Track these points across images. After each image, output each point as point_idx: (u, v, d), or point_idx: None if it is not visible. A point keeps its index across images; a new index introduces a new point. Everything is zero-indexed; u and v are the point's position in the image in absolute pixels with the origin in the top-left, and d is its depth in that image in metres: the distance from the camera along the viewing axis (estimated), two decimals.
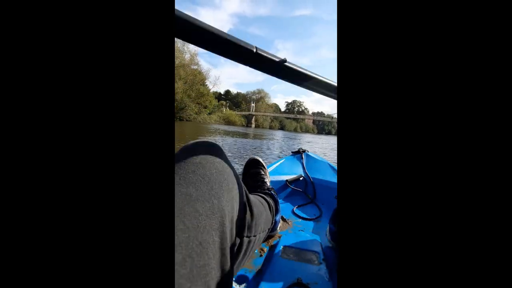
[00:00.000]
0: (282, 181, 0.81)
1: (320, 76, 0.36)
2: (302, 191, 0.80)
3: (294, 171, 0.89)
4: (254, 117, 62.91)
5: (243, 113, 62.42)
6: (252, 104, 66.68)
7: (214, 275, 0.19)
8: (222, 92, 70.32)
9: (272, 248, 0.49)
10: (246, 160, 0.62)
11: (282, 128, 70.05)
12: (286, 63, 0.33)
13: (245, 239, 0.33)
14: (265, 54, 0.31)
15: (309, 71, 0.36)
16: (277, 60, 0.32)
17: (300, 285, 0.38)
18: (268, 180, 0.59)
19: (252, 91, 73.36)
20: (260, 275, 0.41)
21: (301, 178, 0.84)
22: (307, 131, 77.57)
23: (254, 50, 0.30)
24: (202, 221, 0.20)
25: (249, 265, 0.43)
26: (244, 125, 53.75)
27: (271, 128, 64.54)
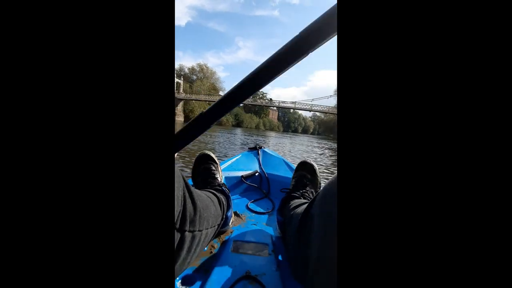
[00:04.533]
0: (237, 177, 0.80)
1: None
2: (257, 186, 0.81)
3: (250, 167, 0.90)
4: (181, 103, 33.10)
5: None
6: (179, 81, 35.14)
7: None
8: None
9: (223, 244, 0.48)
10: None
11: (239, 124, 48.36)
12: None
13: (188, 234, 0.31)
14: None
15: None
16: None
17: (249, 278, 0.38)
18: (220, 175, 0.58)
19: (190, 66, 43.25)
20: (209, 273, 0.39)
21: (256, 174, 0.85)
22: (271, 128, 60.79)
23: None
24: None
25: (198, 263, 0.42)
26: None
27: (219, 124, 35.15)
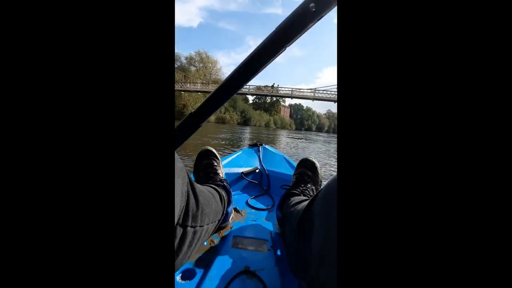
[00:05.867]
0: (238, 173, 0.81)
1: None
2: (258, 183, 0.81)
3: (250, 164, 0.90)
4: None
5: None
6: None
7: None
8: None
9: (223, 239, 0.48)
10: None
11: (246, 122, 41.47)
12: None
13: (190, 229, 0.31)
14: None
15: None
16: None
17: (247, 273, 0.38)
18: (221, 171, 0.58)
19: (187, 55, 34.89)
20: (208, 267, 0.40)
21: (257, 171, 0.85)
22: (283, 126, 53.88)
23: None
24: None
25: (197, 258, 0.42)
26: None
27: (222, 122, 33.32)
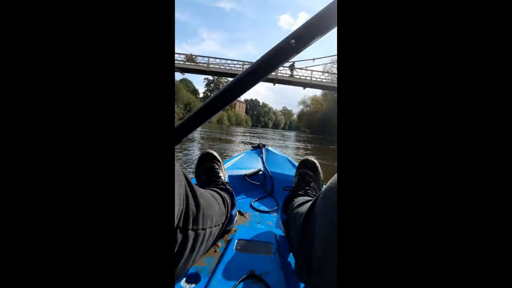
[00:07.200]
0: (241, 175, 0.80)
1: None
2: (261, 185, 0.81)
3: (253, 166, 0.90)
4: None
5: None
6: None
7: None
8: None
9: (228, 243, 0.48)
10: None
11: None
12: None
13: (191, 233, 0.31)
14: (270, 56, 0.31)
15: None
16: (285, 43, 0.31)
17: (253, 277, 0.38)
18: (223, 174, 0.58)
19: None
20: (213, 271, 0.39)
21: (260, 173, 0.85)
22: (238, 123, 50.00)
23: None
24: None
25: (202, 262, 0.42)
26: None
27: None
